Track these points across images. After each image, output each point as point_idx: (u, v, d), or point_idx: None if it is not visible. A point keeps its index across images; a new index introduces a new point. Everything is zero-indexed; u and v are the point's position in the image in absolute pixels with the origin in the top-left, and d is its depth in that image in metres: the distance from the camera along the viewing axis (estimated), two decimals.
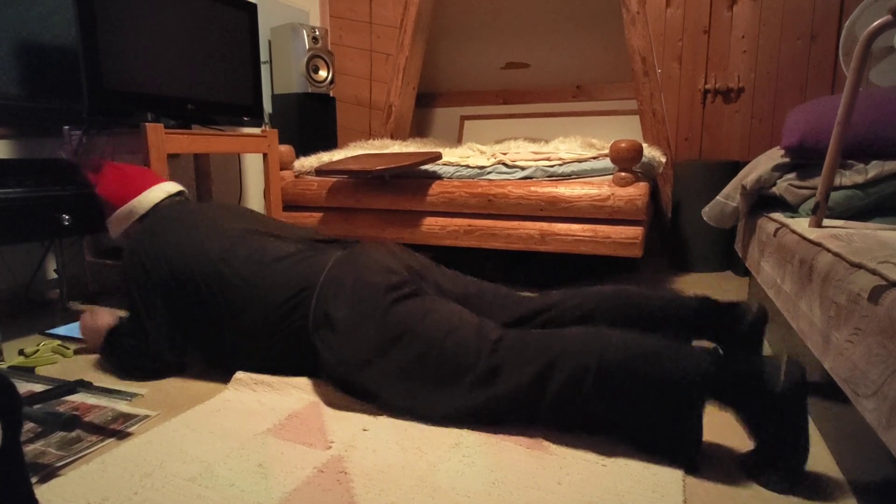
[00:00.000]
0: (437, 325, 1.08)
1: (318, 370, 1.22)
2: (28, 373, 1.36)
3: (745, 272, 2.36)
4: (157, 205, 1.42)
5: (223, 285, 1.23)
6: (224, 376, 1.29)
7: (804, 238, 1.04)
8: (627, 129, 3.34)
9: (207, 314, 1.25)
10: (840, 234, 0.98)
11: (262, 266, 1.23)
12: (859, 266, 0.77)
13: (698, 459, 0.92)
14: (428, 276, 1.26)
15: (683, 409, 0.88)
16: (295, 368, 1.24)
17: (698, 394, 0.88)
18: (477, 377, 1.01)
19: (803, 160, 1.35)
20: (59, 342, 1.51)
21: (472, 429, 1.04)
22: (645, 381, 0.90)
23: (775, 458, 0.86)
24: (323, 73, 2.95)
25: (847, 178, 1.21)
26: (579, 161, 2.09)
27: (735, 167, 2.38)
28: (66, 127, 1.97)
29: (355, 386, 1.13)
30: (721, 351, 1.09)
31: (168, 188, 1.46)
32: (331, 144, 3.04)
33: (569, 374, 0.95)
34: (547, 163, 2.12)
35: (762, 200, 1.56)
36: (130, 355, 1.30)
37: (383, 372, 1.08)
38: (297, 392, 1.20)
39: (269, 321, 1.19)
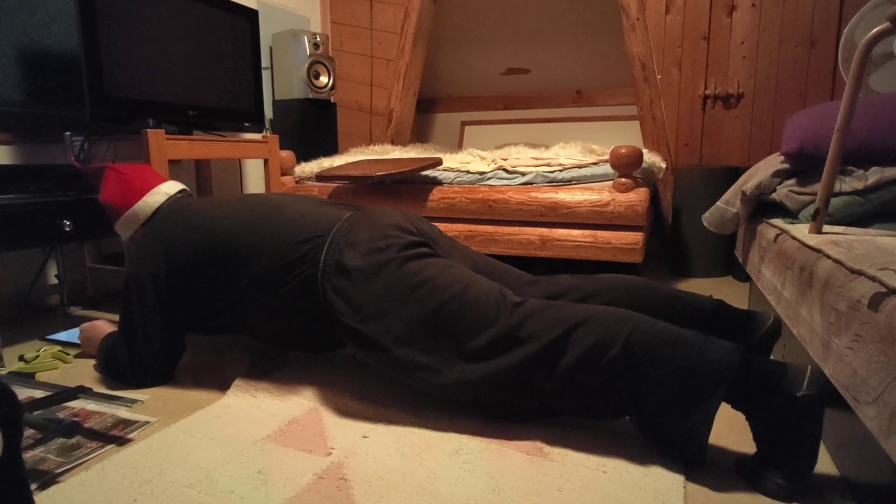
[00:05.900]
0: (457, 277, 1.07)
1: (322, 335, 1.22)
2: (28, 378, 1.36)
3: (746, 278, 2.36)
4: (158, 208, 1.42)
5: (232, 241, 1.22)
6: (224, 382, 1.30)
7: (804, 244, 1.04)
8: (627, 135, 3.35)
9: (217, 281, 1.23)
10: (840, 240, 0.98)
11: (272, 217, 1.24)
12: (859, 273, 0.77)
13: (701, 460, 0.91)
14: (440, 243, 1.27)
15: (702, 398, 0.87)
16: (300, 332, 1.23)
17: (720, 385, 0.86)
18: (498, 332, 1.00)
19: (803, 166, 1.35)
20: (59, 348, 1.51)
21: (473, 435, 1.04)
22: (670, 364, 0.89)
23: (781, 464, 0.85)
24: (324, 79, 2.96)
25: (847, 184, 1.21)
26: (579, 167, 2.09)
27: (735, 173, 2.39)
28: (68, 133, 1.98)
29: (366, 338, 1.10)
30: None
31: (168, 189, 1.46)
32: (331, 150, 3.05)
33: (597, 339, 0.94)
34: (547, 168, 2.13)
35: (762, 206, 1.56)
36: (121, 364, 1.29)
37: (400, 320, 1.06)
38: (297, 398, 1.20)
39: (278, 267, 1.18)
